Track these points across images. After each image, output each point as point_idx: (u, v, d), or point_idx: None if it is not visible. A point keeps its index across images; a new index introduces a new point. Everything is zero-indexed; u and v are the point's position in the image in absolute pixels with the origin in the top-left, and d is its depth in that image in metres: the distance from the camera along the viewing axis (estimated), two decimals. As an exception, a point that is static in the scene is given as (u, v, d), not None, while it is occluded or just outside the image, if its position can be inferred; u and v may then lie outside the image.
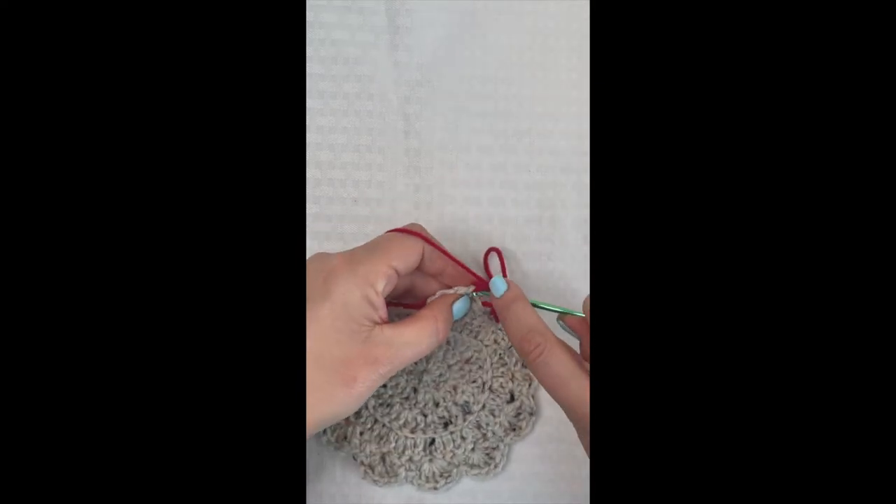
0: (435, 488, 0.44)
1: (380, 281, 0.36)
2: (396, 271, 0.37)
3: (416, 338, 0.38)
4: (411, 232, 0.40)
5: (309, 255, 0.39)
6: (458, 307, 0.41)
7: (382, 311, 0.37)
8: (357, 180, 0.48)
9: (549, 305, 0.42)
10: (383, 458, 0.44)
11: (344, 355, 0.36)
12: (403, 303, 0.43)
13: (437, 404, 0.45)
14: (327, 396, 0.35)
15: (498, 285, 0.40)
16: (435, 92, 0.49)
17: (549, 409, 0.46)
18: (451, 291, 0.42)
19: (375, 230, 0.45)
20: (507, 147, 0.48)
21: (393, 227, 0.41)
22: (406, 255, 0.38)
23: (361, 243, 0.39)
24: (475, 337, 0.46)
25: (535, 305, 0.40)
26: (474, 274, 0.42)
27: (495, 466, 0.45)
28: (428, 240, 0.40)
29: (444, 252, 0.41)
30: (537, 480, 0.45)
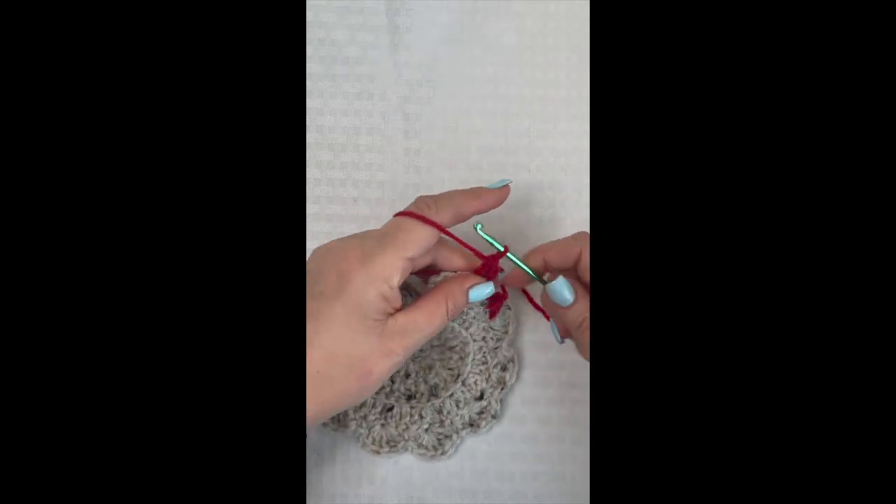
0: (377, 452, 0.44)
1: (395, 276, 0.36)
2: (411, 260, 0.37)
3: (427, 322, 0.38)
4: (425, 219, 0.38)
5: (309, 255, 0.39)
6: (478, 292, 0.40)
7: (396, 301, 0.37)
8: (357, 180, 0.48)
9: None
10: None
11: (360, 353, 0.36)
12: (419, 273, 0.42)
13: (407, 375, 0.45)
14: (343, 390, 0.36)
15: (562, 293, 0.39)
16: (435, 92, 0.49)
17: (544, 408, 0.46)
18: (454, 275, 0.40)
19: (375, 230, 0.45)
20: (507, 147, 0.49)
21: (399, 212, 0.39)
22: (420, 244, 0.37)
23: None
24: (466, 329, 0.45)
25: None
26: (483, 256, 0.41)
27: (442, 453, 0.44)
28: (439, 226, 0.38)
29: (454, 237, 0.40)
30: (536, 482, 0.46)
